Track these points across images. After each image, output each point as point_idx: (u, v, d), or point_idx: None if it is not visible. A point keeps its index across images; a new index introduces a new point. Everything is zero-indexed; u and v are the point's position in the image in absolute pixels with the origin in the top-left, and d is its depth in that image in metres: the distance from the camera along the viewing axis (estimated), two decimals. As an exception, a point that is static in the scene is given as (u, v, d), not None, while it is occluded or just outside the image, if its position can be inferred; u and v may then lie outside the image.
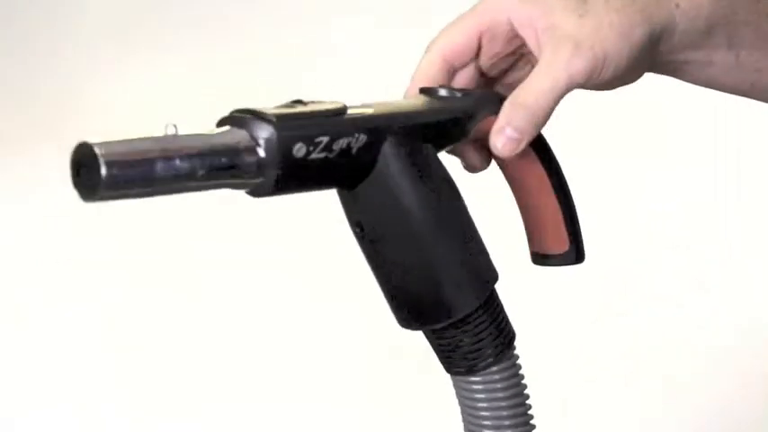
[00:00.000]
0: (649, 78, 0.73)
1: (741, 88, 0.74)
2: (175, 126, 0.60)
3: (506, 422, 0.67)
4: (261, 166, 0.62)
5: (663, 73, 0.73)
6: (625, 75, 0.68)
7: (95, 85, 2.38)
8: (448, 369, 0.69)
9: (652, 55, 0.69)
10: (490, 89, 0.74)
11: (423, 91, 0.70)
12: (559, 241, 0.75)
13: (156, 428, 1.84)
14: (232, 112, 0.64)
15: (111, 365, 1.97)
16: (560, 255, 0.75)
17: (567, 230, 0.75)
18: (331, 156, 0.63)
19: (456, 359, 0.68)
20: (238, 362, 1.93)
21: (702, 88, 0.76)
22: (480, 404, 0.68)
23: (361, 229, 0.67)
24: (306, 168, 0.63)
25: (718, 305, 1.91)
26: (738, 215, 2.01)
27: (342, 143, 0.63)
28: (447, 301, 0.67)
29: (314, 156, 0.62)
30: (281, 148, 0.62)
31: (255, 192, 0.65)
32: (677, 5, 0.68)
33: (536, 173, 0.74)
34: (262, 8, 2.33)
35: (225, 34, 2.34)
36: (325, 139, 0.63)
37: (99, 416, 1.88)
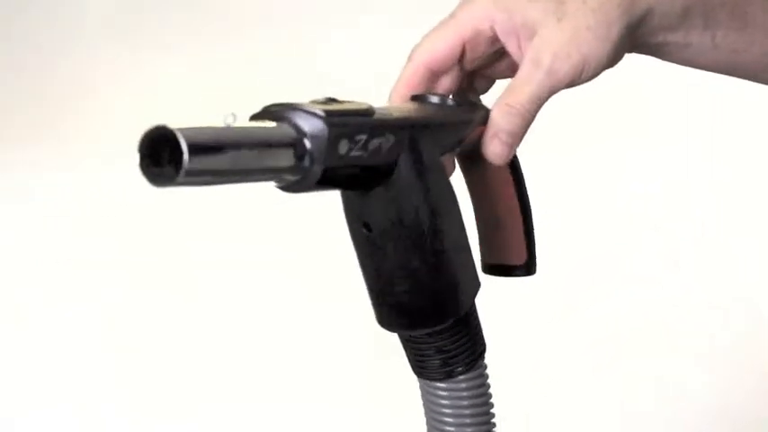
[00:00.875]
0: (628, 62, 0.74)
1: (720, 68, 0.75)
2: (234, 115, 0.58)
3: (468, 429, 0.68)
4: (311, 161, 0.60)
5: (643, 53, 0.74)
6: (607, 66, 0.70)
7: (95, 85, 2.38)
8: (419, 374, 0.70)
9: (631, 40, 0.70)
10: (477, 99, 0.75)
11: (414, 98, 0.70)
12: (520, 253, 0.76)
13: (156, 428, 1.84)
14: (269, 107, 0.61)
15: (111, 365, 1.97)
16: (519, 266, 0.76)
17: (527, 242, 0.77)
18: (365, 155, 0.62)
19: (429, 365, 0.69)
20: (238, 362, 1.93)
21: (679, 71, 0.77)
22: (445, 410, 0.68)
23: (369, 230, 0.66)
24: (343, 166, 0.62)
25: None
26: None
27: (375, 143, 0.63)
28: (440, 306, 0.67)
29: (353, 153, 0.61)
30: (330, 143, 0.60)
31: (291, 187, 0.63)
32: None
33: (506, 184, 0.75)
34: (262, 8, 2.33)
35: (225, 34, 2.34)
36: (363, 138, 0.62)
37: (99, 416, 1.88)
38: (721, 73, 0.76)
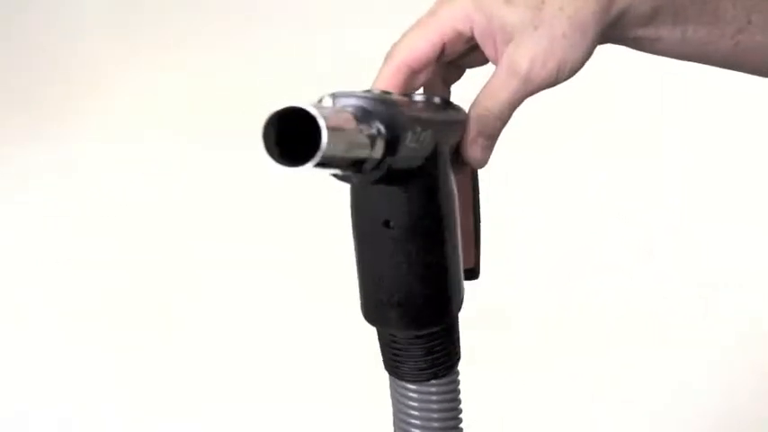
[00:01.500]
0: (601, 53, 0.75)
1: (690, 58, 0.77)
2: (333, 96, 0.58)
3: None
4: (393, 152, 0.60)
5: (614, 44, 0.76)
6: (581, 67, 0.72)
7: (95, 84, 2.38)
8: (394, 373, 0.70)
9: (605, 37, 0.72)
10: (448, 90, 0.76)
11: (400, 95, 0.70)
12: (468, 258, 0.76)
13: (157, 428, 1.84)
14: (335, 95, 0.61)
15: (112, 365, 1.97)
16: (467, 270, 0.75)
17: (476, 248, 0.77)
18: (418, 148, 0.63)
19: (408, 366, 0.69)
20: (238, 362, 1.93)
21: (652, 60, 0.79)
22: (414, 412, 0.69)
23: (389, 227, 0.65)
24: (401, 158, 0.61)
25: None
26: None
27: (425, 136, 0.63)
28: (443, 306, 0.68)
29: (411, 145, 0.62)
30: (405, 135, 0.60)
31: (357, 179, 0.62)
32: None
33: (466, 189, 0.76)
34: (263, 8, 2.33)
35: (226, 34, 2.34)
36: (419, 131, 0.62)
37: (99, 416, 1.88)
38: (692, 62, 0.78)
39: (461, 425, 0.71)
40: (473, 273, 0.78)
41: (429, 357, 0.69)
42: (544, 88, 0.70)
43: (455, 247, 0.67)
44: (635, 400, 1.77)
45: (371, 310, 0.69)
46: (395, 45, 0.71)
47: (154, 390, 1.89)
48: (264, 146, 0.54)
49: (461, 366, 0.71)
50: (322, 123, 0.53)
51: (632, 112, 2.10)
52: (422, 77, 0.72)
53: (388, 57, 0.71)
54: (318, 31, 2.26)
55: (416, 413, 0.69)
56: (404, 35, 0.71)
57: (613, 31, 0.72)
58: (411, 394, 0.70)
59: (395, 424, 0.71)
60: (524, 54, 0.69)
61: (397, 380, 0.70)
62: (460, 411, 0.71)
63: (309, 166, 0.53)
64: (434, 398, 0.70)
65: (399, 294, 0.67)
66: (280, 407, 1.83)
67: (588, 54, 0.71)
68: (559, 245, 1.95)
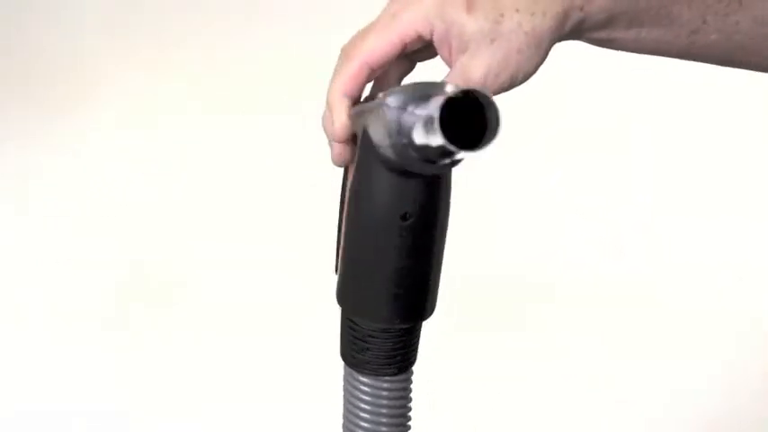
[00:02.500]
0: (557, 52, 0.76)
1: (644, 53, 0.80)
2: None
3: (384, 429, 0.71)
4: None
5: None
6: (533, 74, 0.74)
7: (92, 83, 2.37)
8: (353, 364, 0.71)
9: (559, 41, 0.75)
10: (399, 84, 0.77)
11: (371, 98, 0.71)
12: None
13: (157, 428, 1.85)
14: (421, 84, 0.61)
15: (111, 365, 1.97)
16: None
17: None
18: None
19: (369, 358, 0.70)
20: (237, 361, 1.93)
21: (616, 55, 0.82)
22: (364, 405, 0.71)
23: (405, 219, 0.66)
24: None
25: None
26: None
27: None
28: (430, 302, 0.69)
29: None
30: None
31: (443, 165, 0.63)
32: (581, 8, 0.72)
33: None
34: (264, 7, 2.33)
35: (225, 33, 2.33)
36: None
37: (99, 415, 1.88)
38: (648, 55, 0.81)
39: (409, 422, 0.72)
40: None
41: (399, 352, 0.70)
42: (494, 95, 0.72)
43: (444, 241, 0.69)
44: (625, 401, 1.78)
45: (354, 299, 0.69)
46: (353, 45, 0.72)
47: (155, 389, 1.89)
48: (442, 134, 0.55)
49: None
50: (497, 107, 0.54)
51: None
52: (377, 75, 0.74)
53: (347, 57, 0.72)
54: (320, 31, 2.26)
55: (368, 407, 0.71)
56: (363, 35, 0.72)
57: (568, 35, 0.74)
58: (364, 388, 0.71)
59: (344, 417, 0.72)
60: (478, 65, 0.70)
61: (355, 372, 0.71)
62: (410, 410, 0.72)
63: (482, 151, 0.55)
64: (385, 392, 0.71)
65: (403, 286, 0.68)
66: (281, 407, 1.83)
67: (541, 63, 0.73)
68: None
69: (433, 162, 0.60)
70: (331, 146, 0.73)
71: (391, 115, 0.60)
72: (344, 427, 0.73)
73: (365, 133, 0.66)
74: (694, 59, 0.81)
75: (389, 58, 0.72)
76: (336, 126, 0.71)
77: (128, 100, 2.35)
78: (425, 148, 0.57)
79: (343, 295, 0.71)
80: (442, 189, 0.66)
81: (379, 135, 0.63)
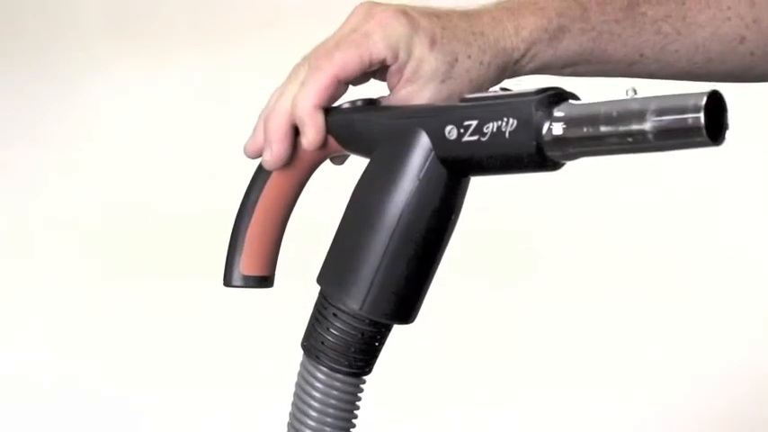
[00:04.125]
0: None
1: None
2: (635, 89, 0.62)
3: (328, 419, 0.73)
4: None
5: None
6: None
7: (90, 82, 2.37)
8: (312, 355, 0.72)
9: None
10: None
11: (337, 109, 0.74)
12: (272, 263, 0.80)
13: (158, 421, 1.84)
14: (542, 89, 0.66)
15: (111, 363, 1.97)
16: (266, 278, 0.79)
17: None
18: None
19: (328, 348, 0.71)
20: (237, 360, 1.93)
21: None
22: (314, 398, 0.72)
23: (449, 219, 0.70)
24: None
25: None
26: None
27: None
28: (419, 305, 0.71)
29: None
30: None
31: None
32: (516, 62, 0.78)
33: (297, 189, 0.79)
34: (261, 8, 2.33)
35: (223, 33, 2.34)
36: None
37: (99, 407, 1.88)
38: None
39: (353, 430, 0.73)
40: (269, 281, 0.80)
41: (367, 351, 0.71)
42: None
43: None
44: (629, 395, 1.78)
45: (347, 286, 0.70)
46: (324, 57, 0.74)
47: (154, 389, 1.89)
48: (705, 127, 0.59)
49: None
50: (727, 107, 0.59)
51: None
52: (343, 89, 0.76)
53: (318, 68, 0.74)
54: (320, 31, 2.26)
55: (317, 404, 0.72)
56: (333, 48, 0.74)
57: (506, 78, 0.80)
58: (317, 384, 0.72)
59: (292, 405, 0.74)
60: (423, 97, 0.75)
61: (314, 363, 0.72)
62: (356, 417, 0.74)
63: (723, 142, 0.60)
64: (336, 392, 0.72)
65: (402, 280, 0.70)
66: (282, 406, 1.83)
67: None
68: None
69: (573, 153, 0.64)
70: (270, 147, 0.75)
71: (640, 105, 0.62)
72: (291, 416, 0.74)
73: (424, 134, 0.68)
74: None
75: (356, 75, 0.74)
76: (314, 137, 0.74)
77: (121, 99, 2.35)
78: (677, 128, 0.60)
79: (334, 277, 0.71)
80: (462, 196, 0.70)
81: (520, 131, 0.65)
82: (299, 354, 0.74)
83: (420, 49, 0.74)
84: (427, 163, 0.68)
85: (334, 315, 0.70)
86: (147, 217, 2.21)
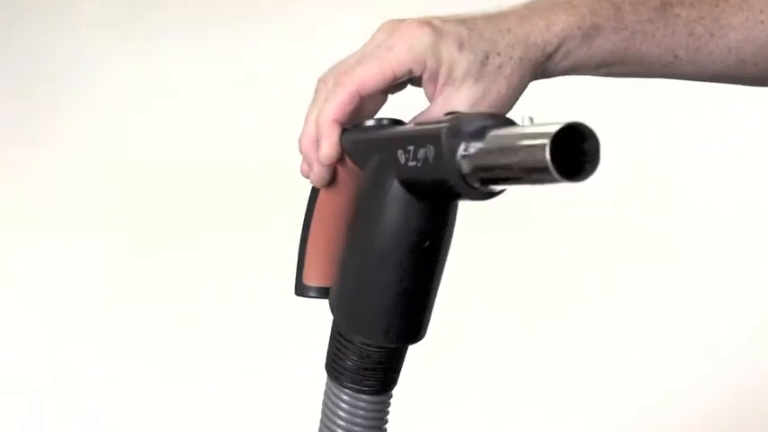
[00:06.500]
0: None
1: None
2: (531, 118, 0.61)
3: None
4: None
5: None
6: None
7: (88, 81, 2.38)
8: (336, 379, 0.73)
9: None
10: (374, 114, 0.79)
11: (356, 127, 0.73)
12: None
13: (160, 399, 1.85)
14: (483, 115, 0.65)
15: (112, 362, 1.97)
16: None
17: None
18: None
19: (351, 373, 0.72)
20: (236, 359, 1.93)
21: None
22: (340, 419, 0.73)
23: (423, 243, 0.68)
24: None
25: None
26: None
27: None
28: (424, 326, 0.71)
29: None
30: None
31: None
32: (549, 57, 0.78)
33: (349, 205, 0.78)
34: (261, 5, 2.33)
35: (222, 31, 2.34)
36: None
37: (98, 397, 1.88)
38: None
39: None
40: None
41: (382, 372, 0.72)
42: None
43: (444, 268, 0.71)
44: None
45: (352, 316, 0.71)
46: (346, 73, 0.74)
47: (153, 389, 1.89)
48: (552, 163, 0.56)
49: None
50: (598, 139, 0.57)
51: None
52: (365, 106, 0.76)
53: (340, 84, 0.74)
54: (320, 29, 2.26)
55: (343, 423, 0.73)
56: (355, 64, 0.74)
57: (538, 78, 0.80)
58: (342, 405, 0.73)
59: (320, 424, 0.74)
60: (462, 99, 0.75)
61: (336, 385, 0.73)
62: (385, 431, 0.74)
63: (586, 179, 0.57)
64: (362, 412, 0.73)
65: (402, 307, 0.69)
66: (281, 407, 1.83)
67: (514, 104, 0.79)
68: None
69: (494, 185, 0.62)
70: (311, 167, 0.76)
71: (494, 142, 0.62)
72: None
73: (389, 157, 0.67)
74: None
75: (380, 89, 0.75)
76: (327, 151, 0.74)
77: (119, 97, 2.35)
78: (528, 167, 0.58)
79: (339, 307, 0.72)
80: (452, 215, 0.68)
81: (434, 160, 0.64)
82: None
83: (448, 52, 0.74)
84: (391, 188, 0.67)
85: (349, 345, 0.72)
86: (145, 218, 2.21)
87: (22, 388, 1.94)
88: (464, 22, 0.76)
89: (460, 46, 0.75)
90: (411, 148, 0.65)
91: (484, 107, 0.76)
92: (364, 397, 0.72)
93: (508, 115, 0.70)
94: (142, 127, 2.29)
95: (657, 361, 1.85)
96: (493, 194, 0.63)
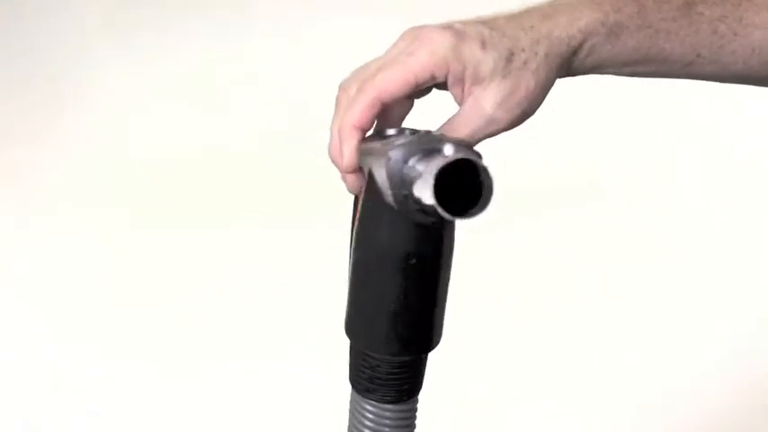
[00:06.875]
0: None
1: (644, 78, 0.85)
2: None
3: None
4: None
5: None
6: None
7: (88, 81, 2.38)
8: (360, 392, 0.72)
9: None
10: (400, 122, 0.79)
11: (378, 134, 0.73)
12: None
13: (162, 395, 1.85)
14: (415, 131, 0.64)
15: (110, 362, 1.97)
16: None
17: None
18: None
19: (374, 386, 0.72)
20: (236, 357, 1.93)
21: None
22: (367, 428, 0.73)
23: (408, 260, 0.67)
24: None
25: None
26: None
27: None
28: (433, 336, 0.70)
29: None
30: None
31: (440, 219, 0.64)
32: (575, 53, 0.78)
33: None
34: (261, 7, 2.33)
35: (221, 32, 2.34)
36: None
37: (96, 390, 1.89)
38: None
39: None
40: None
41: (401, 382, 0.71)
42: (504, 130, 0.76)
43: (449, 278, 0.70)
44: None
45: (362, 333, 0.71)
46: (367, 79, 0.74)
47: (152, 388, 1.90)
48: (437, 200, 0.56)
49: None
50: (490, 175, 0.55)
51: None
52: (388, 112, 0.76)
53: (361, 90, 0.73)
54: (320, 30, 2.26)
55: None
56: (377, 70, 0.74)
57: (563, 75, 0.79)
58: (369, 415, 0.73)
59: None
60: (491, 97, 0.75)
61: (361, 397, 0.72)
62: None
63: (476, 216, 0.56)
64: (388, 422, 0.73)
65: (398, 323, 0.69)
66: (283, 405, 1.83)
67: (543, 100, 0.78)
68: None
69: (431, 215, 0.61)
70: (341, 176, 0.75)
71: (394, 167, 0.62)
72: None
73: (371, 175, 0.67)
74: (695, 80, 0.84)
75: (401, 95, 0.74)
76: (346, 158, 0.74)
77: (124, 98, 2.35)
78: (421, 202, 0.59)
79: (350, 327, 0.72)
80: (445, 231, 0.67)
81: (382, 181, 0.65)
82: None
83: (471, 52, 0.74)
84: (373, 204, 0.67)
85: (367, 360, 0.71)
86: (145, 218, 2.21)
87: (22, 388, 1.93)
88: (485, 22, 0.76)
89: (483, 45, 0.74)
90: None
91: (514, 104, 0.75)
92: (389, 407, 0.72)
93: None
94: (142, 127, 2.29)
95: (655, 361, 1.85)
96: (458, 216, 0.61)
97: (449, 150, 0.58)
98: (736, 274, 1.93)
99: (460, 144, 0.62)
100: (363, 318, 0.70)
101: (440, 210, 0.56)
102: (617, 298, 1.92)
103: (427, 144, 0.62)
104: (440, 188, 0.56)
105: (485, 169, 0.56)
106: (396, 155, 0.63)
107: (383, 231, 0.68)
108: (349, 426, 0.74)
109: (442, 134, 0.66)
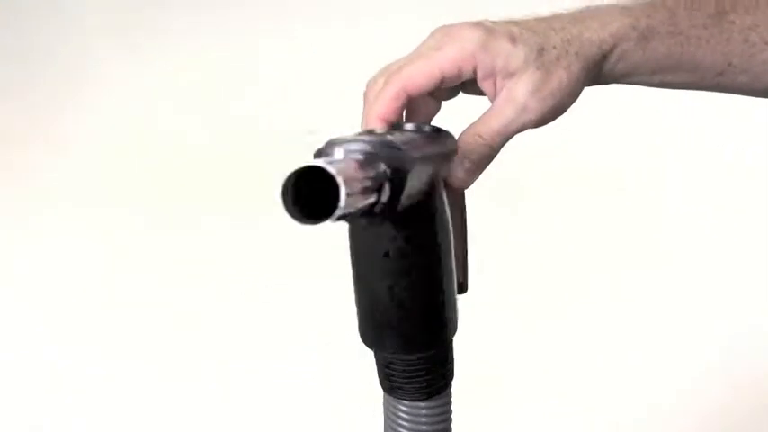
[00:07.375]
0: None
1: (674, 89, 0.85)
2: (335, 144, 0.59)
3: None
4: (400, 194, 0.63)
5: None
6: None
7: (90, 81, 2.38)
8: (391, 393, 0.72)
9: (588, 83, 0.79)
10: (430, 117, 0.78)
11: (394, 127, 0.72)
12: (457, 273, 0.77)
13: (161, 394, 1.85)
14: (333, 141, 0.62)
15: (111, 360, 1.97)
16: (458, 284, 0.77)
17: (464, 262, 0.79)
18: (419, 185, 0.64)
19: (402, 386, 0.71)
20: (236, 356, 1.93)
21: None
22: (402, 429, 0.73)
23: (387, 256, 0.67)
24: (406, 197, 0.63)
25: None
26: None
27: (424, 172, 0.65)
28: (438, 331, 0.70)
29: (414, 184, 0.63)
30: (408, 175, 0.62)
31: (356, 221, 0.64)
32: (605, 56, 0.77)
33: (456, 209, 0.77)
34: (261, 6, 2.33)
35: (221, 32, 2.34)
36: (420, 168, 0.64)
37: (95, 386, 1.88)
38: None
39: None
40: (462, 287, 0.79)
41: (423, 378, 0.71)
42: (535, 123, 0.75)
43: (450, 272, 0.69)
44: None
45: (369, 335, 0.71)
46: (393, 71, 0.74)
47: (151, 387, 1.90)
48: (284, 204, 0.55)
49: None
50: (340, 181, 0.54)
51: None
52: (414, 105, 0.75)
53: (387, 82, 0.73)
54: (319, 30, 2.26)
55: (406, 431, 0.72)
56: (407, 63, 0.74)
57: (592, 81, 0.78)
58: (402, 414, 0.72)
59: None
60: (524, 86, 0.74)
61: (395, 398, 0.72)
62: (450, 429, 0.74)
63: (330, 221, 0.55)
64: (424, 419, 0.72)
65: (397, 320, 0.68)
66: (282, 407, 1.83)
67: (574, 100, 0.77)
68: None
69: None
70: None
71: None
72: None
73: None
74: (726, 92, 0.83)
75: (427, 89, 0.73)
76: None
77: (124, 98, 2.35)
78: None
79: (361, 332, 0.72)
80: (423, 227, 0.67)
81: None
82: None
83: (500, 45, 0.74)
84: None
85: (389, 362, 0.71)
86: (145, 218, 2.21)
87: (22, 388, 1.93)
88: (515, 22, 0.76)
89: (513, 40, 0.74)
90: None
91: (547, 93, 0.74)
92: (422, 404, 0.72)
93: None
94: (142, 127, 2.29)
95: (658, 361, 1.85)
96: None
97: (325, 156, 0.57)
98: (737, 275, 1.93)
99: (361, 152, 0.61)
100: (367, 321, 0.70)
101: (285, 209, 0.55)
102: (618, 298, 1.92)
103: (326, 147, 0.61)
104: (305, 192, 0.55)
105: (332, 176, 0.54)
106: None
107: (356, 234, 0.68)
108: (385, 427, 0.74)
109: (365, 136, 0.64)
